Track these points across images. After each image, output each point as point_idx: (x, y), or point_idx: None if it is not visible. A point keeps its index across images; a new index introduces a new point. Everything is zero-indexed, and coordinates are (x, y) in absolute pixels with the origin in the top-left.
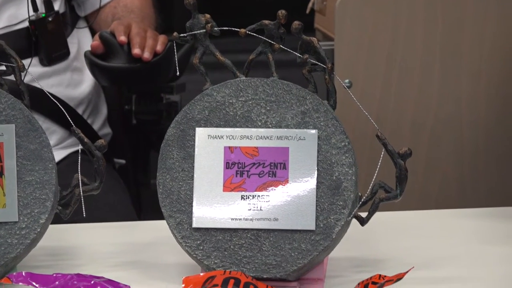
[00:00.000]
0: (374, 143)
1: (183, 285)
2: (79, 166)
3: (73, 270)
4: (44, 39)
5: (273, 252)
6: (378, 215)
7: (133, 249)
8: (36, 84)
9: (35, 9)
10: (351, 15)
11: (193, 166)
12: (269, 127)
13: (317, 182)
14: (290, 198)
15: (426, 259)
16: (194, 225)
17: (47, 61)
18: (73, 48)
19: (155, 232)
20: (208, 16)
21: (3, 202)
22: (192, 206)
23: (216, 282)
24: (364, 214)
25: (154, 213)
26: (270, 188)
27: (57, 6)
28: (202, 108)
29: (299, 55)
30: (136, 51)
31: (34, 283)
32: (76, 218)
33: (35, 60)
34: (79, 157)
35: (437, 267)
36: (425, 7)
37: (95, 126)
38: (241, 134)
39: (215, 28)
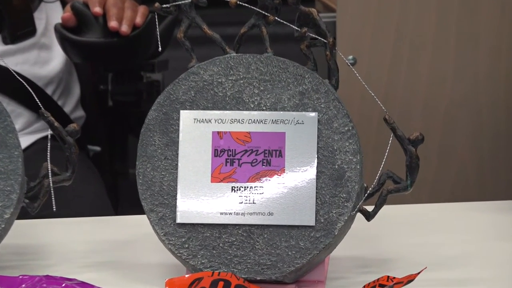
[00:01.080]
0: (382, 128)
1: None
2: (48, 153)
3: (42, 271)
4: (8, 15)
5: (268, 250)
6: (386, 208)
7: (110, 248)
8: None
9: None
10: None
11: (177, 154)
12: (263, 110)
13: (317, 172)
14: (286, 190)
15: (440, 258)
16: (179, 220)
17: (10, 40)
18: (40, 25)
19: (134, 228)
20: None
21: None
22: (176, 199)
23: (203, 285)
24: (370, 208)
25: (133, 207)
26: (264, 179)
27: None
28: (187, 88)
29: (296, 28)
30: (112, 23)
31: None
32: (45, 213)
33: None
34: (49, 144)
35: (452, 267)
36: None
37: (67, 109)
38: (231, 118)
39: None
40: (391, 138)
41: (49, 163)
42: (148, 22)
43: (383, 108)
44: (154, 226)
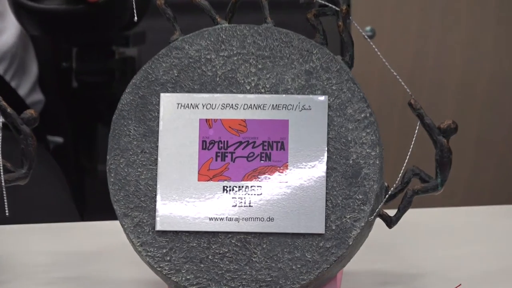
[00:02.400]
0: (406, 114)
1: None
2: None
3: None
4: None
5: (267, 264)
6: (411, 213)
7: (74, 260)
8: None
9: None
10: None
11: (157, 146)
12: (261, 92)
13: (328, 168)
14: (290, 191)
15: (478, 273)
16: (159, 227)
17: None
18: None
19: (104, 236)
20: None
21: None
22: (155, 201)
23: None
24: (392, 212)
25: (103, 211)
26: (262, 177)
27: None
28: (169, 66)
29: None
30: None
31: None
32: None
33: None
34: (0, 134)
35: (493, 284)
36: None
37: (22, 91)
38: (222, 102)
39: None
40: (417, 127)
41: (0, 157)
42: None
43: (407, 90)
44: (129, 235)
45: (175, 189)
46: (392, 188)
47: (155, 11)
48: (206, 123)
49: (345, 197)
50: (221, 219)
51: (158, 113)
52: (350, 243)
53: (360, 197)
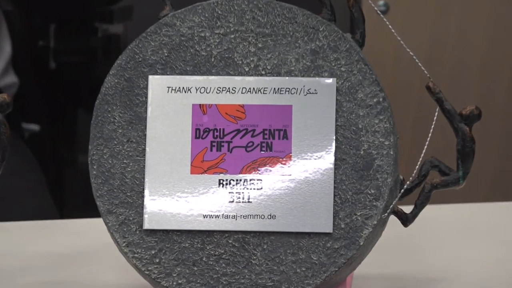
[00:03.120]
0: (423, 99)
1: None
2: None
3: None
4: None
5: (269, 267)
6: (429, 209)
7: (52, 263)
8: None
9: None
10: None
11: (145, 135)
12: (261, 75)
13: (336, 160)
14: (294, 185)
15: (506, 278)
16: (147, 225)
17: None
18: None
19: (85, 236)
20: None
21: None
22: (143, 196)
23: None
24: (408, 209)
25: (84, 207)
26: (263, 169)
27: None
28: (159, 45)
29: None
30: None
31: None
32: None
33: None
34: None
35: None
36: None
37: None
38: (218, 86)
39: None
40: (436, 113)
41: None
42: None
43: (425, 72)
44: (113, 234)
45: (165, 183)
46: (408, 182)
47: None
48: (200, 109)
49: (356, 192)
50: (217, 216)
51: (146, 97)
52: (361, 244)
53: (372, 191)
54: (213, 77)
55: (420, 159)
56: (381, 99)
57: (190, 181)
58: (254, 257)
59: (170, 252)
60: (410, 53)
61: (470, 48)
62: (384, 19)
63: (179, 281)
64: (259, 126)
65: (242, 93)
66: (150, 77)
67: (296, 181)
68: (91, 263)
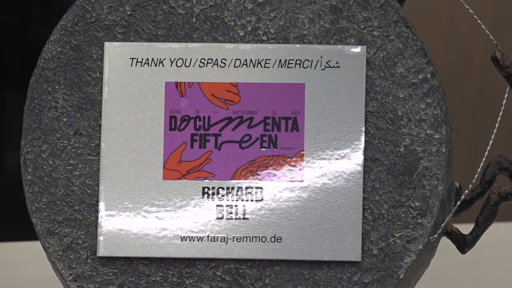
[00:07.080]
0: (487, 75)
1: None
2: None
3: None
4: None
5: None
6: (495, 229)
7: None
8: None
9: None
10: None
11: (99, 126)
12: (262, 41)
13: (366, 160)
14: (307, 195)
15: None
16: (102, 251)
17: None
18: None
19: (15, 266)
20: None
21: None
22: (97, 211)
23: None
24: (466, 229)
25: (14, 226)
26: (264, 173)
27: None
28: (119, 0)
29: None
30: None
31: None
32: None
33: None
34: None
35: None
36: None
37: None
38: (202, 57)
39: None
40: (505, 95)
41: None
42: None
43: (491, 38)
44: (56, 263)
45: (127, 193)
46: (466, 191)
47: None
48: (176, 89)
49: (393, 205)
50: (200, 238)
51: (101, 73)
52: (401, 277)
53: (417, 204)
54: (194, 44)
55: (483, 159)
56: (429, 76)
57: (163, 190)
58: None
59: None
60: (470, 11)
61: None
62: None
63: None
64: (259, 113)
65: (234, 66)
66: (107, 44)
67: (310, 189)
68: None
